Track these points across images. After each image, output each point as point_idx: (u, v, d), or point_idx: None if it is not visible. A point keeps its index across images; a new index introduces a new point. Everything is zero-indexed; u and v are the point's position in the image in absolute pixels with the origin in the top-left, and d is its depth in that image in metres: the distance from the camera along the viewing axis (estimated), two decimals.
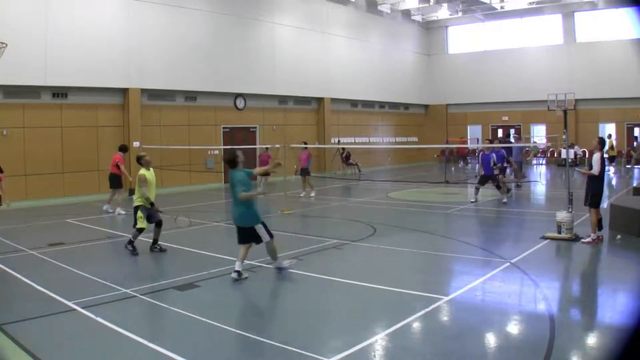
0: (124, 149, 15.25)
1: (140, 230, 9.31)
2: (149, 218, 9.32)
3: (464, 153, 32.65)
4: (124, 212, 13.99)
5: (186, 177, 20.58)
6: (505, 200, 14.95)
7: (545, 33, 30.56)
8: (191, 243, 10.14)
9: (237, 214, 7.66)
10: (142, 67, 19.02)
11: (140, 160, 9.55)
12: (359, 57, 28.83)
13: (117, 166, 14.54)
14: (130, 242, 9.33)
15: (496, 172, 14.95)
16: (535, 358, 4.87)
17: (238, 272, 7.50)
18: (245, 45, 22.63)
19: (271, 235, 7.65)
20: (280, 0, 24.55)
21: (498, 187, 15.04)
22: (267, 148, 19.56)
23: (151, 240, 9.56)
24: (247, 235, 7.62)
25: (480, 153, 16.36)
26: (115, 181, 14.60)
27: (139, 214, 9.26)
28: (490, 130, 31.66)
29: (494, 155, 14.85)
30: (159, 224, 9.46)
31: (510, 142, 23.67)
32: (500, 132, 31.28)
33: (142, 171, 9.35)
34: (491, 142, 17.20)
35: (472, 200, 15.32)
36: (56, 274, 8.21)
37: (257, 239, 7.62)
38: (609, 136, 26.43)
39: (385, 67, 30.64)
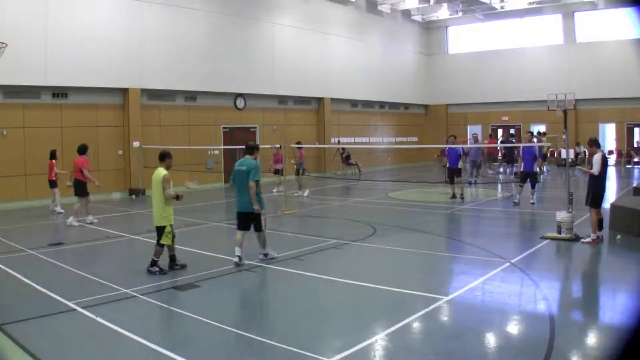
0: (83, 150, 13.00)
1: (163, 246, 8.19)
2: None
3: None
4: (77, 224, 12.46)
5: (186, 177, 20.53)
6: (533, 201, 14.35)
7: (545, 33, 30.53)
8: (191, 243, 10.13)
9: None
10: (142, 67, 19.01)
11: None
12: (359, 57, 28.81)
13: (81, 171, 12.66)
14: (155, 263, 8.12)
15: (536, 169, 14.29)
16: (535, 358, 4.87)
17: (239, 256, 8.30)
18: (245, 45, 22.62)
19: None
20: (280, 0, 24.54)
21: (532, 185, 14.39)
22: (278, 147, 19.26)
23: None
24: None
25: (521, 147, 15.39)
26: (81, 188, 12.75)
27: (169, 228, 8.20)
28: (490, 130, 31.66)
29: (535, 148, 14.33)
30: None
31: (512, 142, 23.69)
32: (500, 132, 31.25)
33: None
34: (455, 138, 16.69)
35: (515, 201, 14.43)
36: (56, 274, 8.22)
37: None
38: (539, 133, 26.27)
39: (385, 67, 30.61)
